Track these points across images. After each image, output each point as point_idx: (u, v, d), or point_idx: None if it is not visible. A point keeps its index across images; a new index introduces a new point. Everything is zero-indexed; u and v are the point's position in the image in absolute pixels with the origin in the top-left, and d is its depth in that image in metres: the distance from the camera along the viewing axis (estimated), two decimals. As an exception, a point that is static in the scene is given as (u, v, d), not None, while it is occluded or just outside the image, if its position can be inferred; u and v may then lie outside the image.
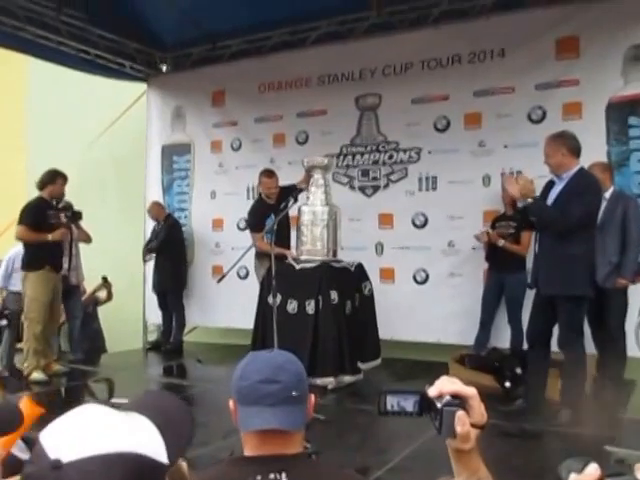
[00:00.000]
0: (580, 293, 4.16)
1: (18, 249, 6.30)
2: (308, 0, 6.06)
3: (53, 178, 5.84)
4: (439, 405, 1.06)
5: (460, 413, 1.05)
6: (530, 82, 5.72)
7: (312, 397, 1.53)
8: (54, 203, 5.94)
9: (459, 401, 1.06)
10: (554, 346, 4.37)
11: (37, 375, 5.69)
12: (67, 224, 6.09)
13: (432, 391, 1.08)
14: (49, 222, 5.78)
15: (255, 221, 6.14)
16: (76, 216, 6.39)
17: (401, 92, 6.35)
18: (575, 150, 4.24)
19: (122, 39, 7.23)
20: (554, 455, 3.64)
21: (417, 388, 1.10)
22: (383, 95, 6.53)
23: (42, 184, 5.84)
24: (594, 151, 5.26)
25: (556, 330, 4.33)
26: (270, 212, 5.81)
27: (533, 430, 4.13)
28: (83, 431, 0.80)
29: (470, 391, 1.08)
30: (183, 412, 0.92)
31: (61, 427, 0.81)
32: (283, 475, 1.39)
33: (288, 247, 5.87)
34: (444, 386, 1.08)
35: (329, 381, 5.04)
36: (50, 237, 5.69)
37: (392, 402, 1.11)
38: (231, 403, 1.50)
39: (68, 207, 6.41)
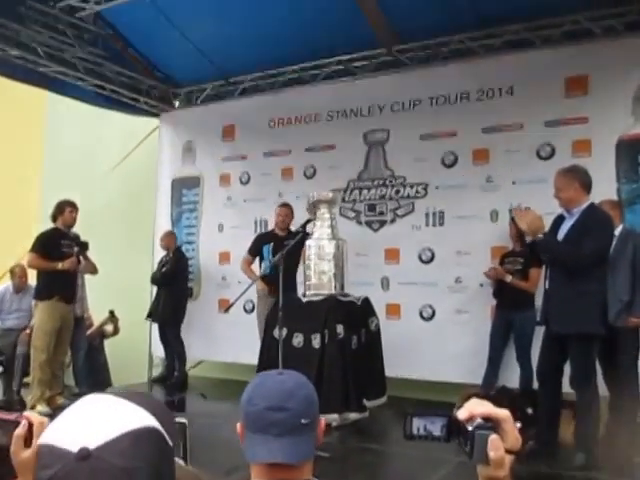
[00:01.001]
0: (593, 331, 4.06)
1: (6, 286, 6.58)
2: (318, 38, 6.15)
3: (61, 207, 5.90)
4: (470, 428, 0.99)
5: (493, 437, 0.97)
6: (539, 119, 5.73)
7: (322, 421, 1.46)
8: (69, 233, 5.95)
9: (491, 424, 0.99)
10: (565, 385, 4.27)
11: (41, 408, 5.61)
12: (77, 254, 6.11)
13: (462, 413, 1.01)
14: (61, 251, 5.79)
15: (251, 245, 6.41)
16: (83, 247, 6.40)
17: (409, 128, 6.38)
18: (587, 185, 4.20)
19: (137, 75, 7.39)
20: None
21: (445, 411, 1.05)
22: (391, 130, 6.57)
23: (53, 216, 5.92)
24: (604, 188, 5.21)
25: (567, 368, 4.24)
26: (272, 241, 6.01)
27: (547, 474, 4.01)
28: (95, 418, 0.79)
29: (503, 413, 1.01)
30: (167, 411, 0.89)
31: (67, 423, 0.80)
32: None
33: (290, 283, 5.73)
34: (475, 408, 1.01)
35: (333, 418, 4.91)
36: (60, 266, 5.69)
37: (419, 425, 1.04)
38: (239, 426, 1.43)
39: (75, 238, 6.43)
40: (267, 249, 6.16)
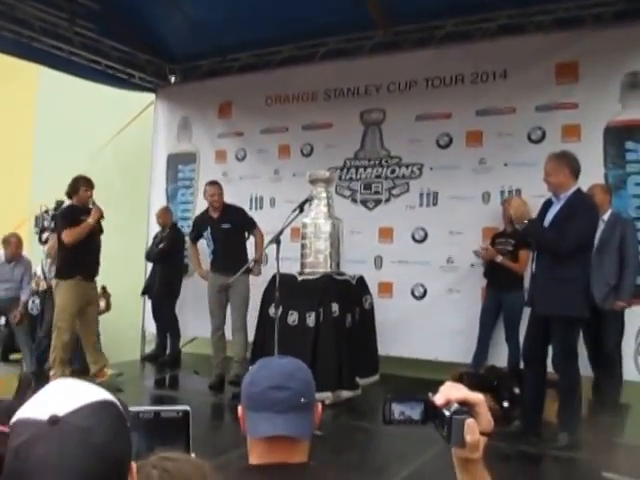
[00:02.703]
0: (576, 315, 4.17)
1: None
2: (317, 17, 6.14)
3: (75, 186, 5.79)
4: (447, 413, 1.02)
5: (470, 421, 1.01)
6: (531, 103, 5.81)
7: (319, 406, 1.54)
8: (85, 208, 5.82)
9: (467, 408, 1.03)
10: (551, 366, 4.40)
11: (111, 371, 5.76)
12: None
13: (438, 399, 1.05)
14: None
15: (191, 230, 6.48)
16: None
17: (405, 109, 6.44)
18: (576, 171, 4.27)
19: (133, 50, 7.33)
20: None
21: (421, 396, 1.07)
22: (387, 111, 6.62)
23: (68, 193, 5.86)
24: (592, 173, 5.32)
25: (551, 350, 4.36)
26: (208, 225, 6.04)
27: (531, 453, 4.14)
28: (63, 392, 0.88)
29: (477, 398, 1.05)
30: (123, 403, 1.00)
31: (37, 400, 0.88)
32: None
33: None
34: (450, 393, 1.05)
35: (326, 396, 5.03)
36: (90, 220, 5.64)
37: (397, 410, 1.07)
38: (240, 410, 1.51)
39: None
40: (207, 234, 6.10)
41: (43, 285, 6.96)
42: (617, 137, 5.47)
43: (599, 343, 4.89)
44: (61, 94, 8.92)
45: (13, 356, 6.88)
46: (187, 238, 7.52)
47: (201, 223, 6.20)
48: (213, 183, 6.18)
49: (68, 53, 6.88)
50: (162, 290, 7.16)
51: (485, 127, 6.08)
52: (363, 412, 5.02)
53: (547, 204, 4.41)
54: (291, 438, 1.43)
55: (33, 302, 7.02)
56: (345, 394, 5.25)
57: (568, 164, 4.24)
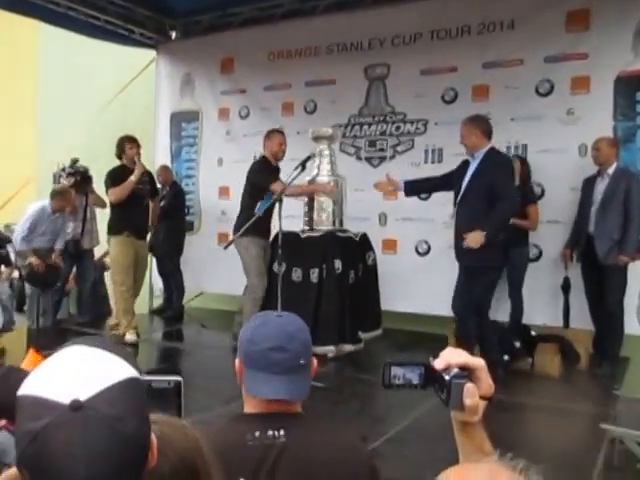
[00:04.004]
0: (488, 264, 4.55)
1: (42, 206, 6.22)
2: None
3: (121, 145, 5.90)
4: (447, 377, 1.03)
5: (469, 385, 1.03)
6: (539, 55, 5.67)
7: (315, 362, 1.57)
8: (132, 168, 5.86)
9: (467, 373, 1.04)
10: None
11: (129, 336, 5.82)
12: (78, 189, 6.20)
13: (439, 363, 1.06)
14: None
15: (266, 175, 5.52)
16: (87, 181, 6.49)
17: (410, 63, 6.31)
18: (487, 133, 4.66)
19: (132, 5, 7.18)
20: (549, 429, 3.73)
21: (421, 360, 1.08)
22: (392, 65, 6.49)
23: (118, 155, 5.95)
24: (600, 126, 5.26)
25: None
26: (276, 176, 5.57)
27: (529, 404, 4.19)
28: (82, 370, 0.81)
29: (477, 362, 1.06)
30: (130, 355, 0.96)
31: (53, 374, 0.81)
32: (281, 432, 1.44)
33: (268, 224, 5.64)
34: (451, 358, 1.06)
35: (329, 349, 5.11)
36: (133, 177, 5.71)
37: (397, 374, 1.08)
38: (237, 363, 1.54)
39: (77, 172, 6.48)
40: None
41: None
42: (628, 88, 5.33)
43: (601, 298, 4.86)
44: (63, 53, 8.83)
45: (26, 307, 6.98)
46: (191, 196, 7.55)
47: (274, 170, 5.58)
48: (282, 132, 5.88)
49: (66, 8, 6.75)
50: (166, 247, 7.18)
51: (491, 81, 5.95)
52: (365, 365, 5.07)
53: (465, 163, 4.80)
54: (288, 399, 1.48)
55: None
56: (348, 348, 5.30)
57: (479, 126, 4.64)
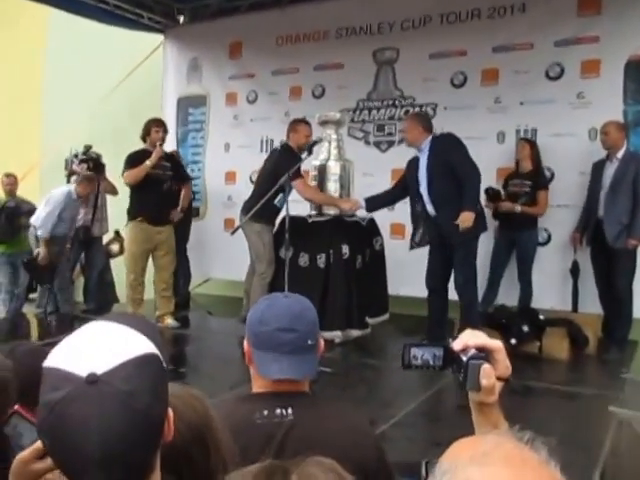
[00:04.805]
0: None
1: (68, 191, 6.10)
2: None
3: (147, 128, 5.82)
4: (464, 358, 1.06)
5: (486, 366, 1.05)
6: (549, 38, 5.62)
7: (321, 342, 1.60)
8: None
9: (484, 354, 1.06)
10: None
11: (170, 321, 5.86)
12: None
13: (457, 344, 1.08)
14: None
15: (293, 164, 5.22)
16: (99, 168, 6.49)
17: (419, 47, 6.26)
18: (428, 128, 5.02)
19: (140, -12, 7.18)
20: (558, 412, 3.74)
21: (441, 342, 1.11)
22: (401, 49, 6.46)
23: (143, 137, 5.87)
24: (610, 110, 5.22)
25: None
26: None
27: (537, 387, 4.19)
28: (100, 344, 0.84)
29: (495, 344, 1.08)
30: (156, 332, 0.97)
31: (73, 348, 0.85)
32: (289, 410, 1.46)
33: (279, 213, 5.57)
34: (469, 339, 1.08)
35: (337, 335, 5.10)
36: (148, 162, 5.62)
37: (416, 355, 1.11)
38: (246, 345, 1.56)
39: (90, 158, 6.47)
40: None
41: None
42: (639, 72, 5.28)
43: (610, 282, 4.85)
44: (69, 38, 8.80)
45: (32, 295, 6.99)
46: (198, 181, 7.53)
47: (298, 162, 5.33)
48: (308, 123, 5.75)
49: (74, -8, 6.76)
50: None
51: (501, 64, 5.91)
52: (372, 350, 5.09)
53: (411, 163, 5.15)
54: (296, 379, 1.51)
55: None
56: (355, 333, 5.29)
57: (421, 122, 5.04)
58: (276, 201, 5.27)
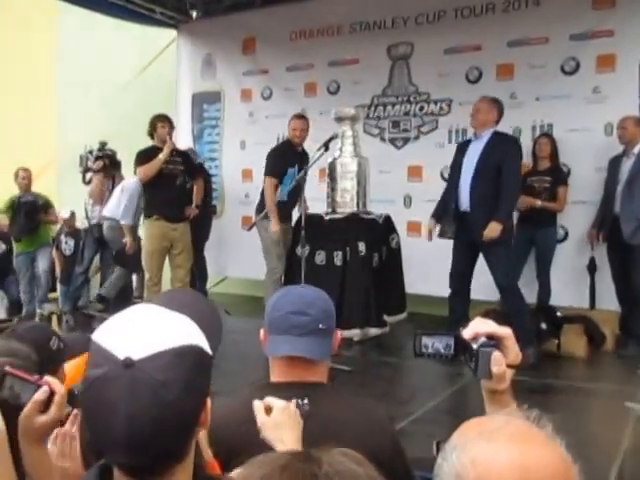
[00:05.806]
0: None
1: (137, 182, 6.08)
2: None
3: (153, 124, 5.78)
4: (475, 346, 1.06)
5: (496, 354, 1.05)
6: (565, 32, 5.58)
7: (338, 333, 1.64)
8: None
9: (495, 342, 1.07)
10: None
11: None
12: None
13: (467, 333, 1.09)
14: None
15: (274, 163, 5.65)
16: (115, 165, 6.54)
17: (434, 42, 6.24)
18: (499, 119, 4.86)
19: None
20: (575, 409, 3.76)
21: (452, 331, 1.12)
22: (415, 44, 6.43)
23: (150, 134, 5.84)
24: (626, 104, 5.21)
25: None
26: (295, 160, 5.57)
27: (554, 385, 4.23)
28: (144, 330, 0.85)
29: (505, 331, 1.09)
30: (213, 313, 0.99)
31: (119, 328, 0.86)
32: (305, 400, 1.50)
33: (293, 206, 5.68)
34: (479, 327, 1.09)
35: (355, 333, 5.14)
36: (161, 156, 5.60)
37: (427, 343, 1.12)
38: (262, 333, 1.62)
39: (106, 155, 6.52)
40: (292, 172, 5.50)
41: (85, 224, 6.95)
42: (655, 66, 5.25)
43: (627, 278, 4.84)
44: (82, 35, 8.82)
45: (50, 295, 7.07)
46: (215, 179, 7.56)
47: (286, 157, 5.55)
48: (301, 117, 5.84)
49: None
50: (191, 233, 7.19)
51: (516, 59, 5.88)
52: (391, 348, 5.12)
53: (464, 144, 4.99)
54: (308, 359, 1.55)
55: (66, 243, 7.14)
56: (373, 331, 5.33)
57: (497, 108, 4.83)
58: (278, 194, 5.33)
